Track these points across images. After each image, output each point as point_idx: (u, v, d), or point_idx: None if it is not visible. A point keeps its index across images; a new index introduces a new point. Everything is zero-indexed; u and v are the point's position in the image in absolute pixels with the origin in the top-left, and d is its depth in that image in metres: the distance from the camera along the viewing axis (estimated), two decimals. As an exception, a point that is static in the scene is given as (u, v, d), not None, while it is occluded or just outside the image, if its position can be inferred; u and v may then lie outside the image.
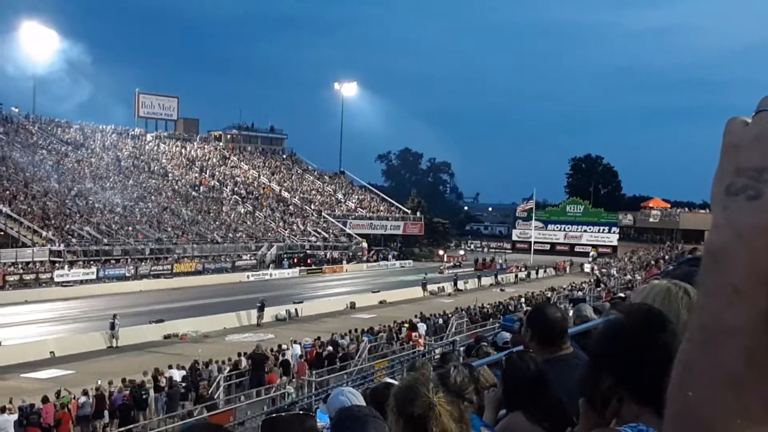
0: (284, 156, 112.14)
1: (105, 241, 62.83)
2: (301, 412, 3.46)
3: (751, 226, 0.78)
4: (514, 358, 4.31)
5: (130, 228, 67.88)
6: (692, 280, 2.70)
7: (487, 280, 71.21)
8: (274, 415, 3.27)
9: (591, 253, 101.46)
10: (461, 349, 19.53)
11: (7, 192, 64.78)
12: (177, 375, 27.06)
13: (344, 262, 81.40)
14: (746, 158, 0.82)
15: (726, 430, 0.75)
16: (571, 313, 9.76)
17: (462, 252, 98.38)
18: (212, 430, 3.94)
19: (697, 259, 3.72)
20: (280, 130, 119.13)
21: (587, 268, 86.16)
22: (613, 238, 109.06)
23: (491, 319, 42.80)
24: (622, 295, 20.03)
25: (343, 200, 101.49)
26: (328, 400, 5.13)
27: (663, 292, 2.57)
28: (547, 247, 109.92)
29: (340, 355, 32.34)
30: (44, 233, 59.49)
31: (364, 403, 4.66)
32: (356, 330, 36.94)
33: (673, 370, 0.83)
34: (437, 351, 29.71)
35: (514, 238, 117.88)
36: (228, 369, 28.60)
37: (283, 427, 3.12)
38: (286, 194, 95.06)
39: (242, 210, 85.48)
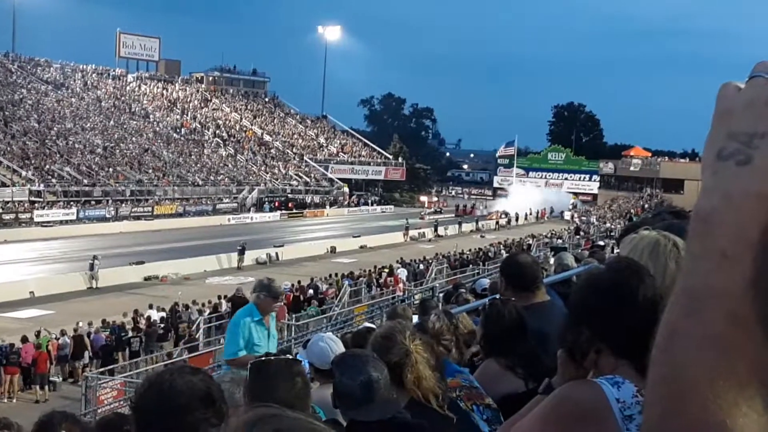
0: (266, 99, 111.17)
1: (85, 181, 62.45)
2: (289, 357, 3.48)
3: (741, 191, 0.79)
4: (496, 305, 4.30)
5: (111, 169, 67.42)
6: (673, 232, 2.72)
7: (467, 227, 71.35)
8: (263, 358, 3.28)
9: (571, 201, 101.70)
10: (440, 295, 19.65)
11: (-14, 131, 64.05)
12: (156, 315, 27.16)
13: (326, 206, 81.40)
14: (738, 123, 0.83)
15: (711, 392, 0.75)
16: (552, 261, 9.83)
17: (436, 198, 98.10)
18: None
19: (677, 213, 3.72)
20: (263, 73, 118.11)
21: (567, 215, 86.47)
22: (593, 186, 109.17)
23: (471, 266, 43.02)
24: (601, 243, 20.17)
25: (325, 144, 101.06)
26: (308, 346, 5.16)
27: (652, 243, 2.58)
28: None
29: (320, 298, 32.48)
30: (24, 173, 59.04)
31: (343, 349, 4.70)
32: (337, 274, 37.07)
33: (657, 333, 0.82)
34: (417, 296, 29.86)
35: (495, 184, 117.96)
36: (208, 311, 28.68)
37: (271, 371, 3.13)
38: (267, 138, 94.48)
39: (224, 153, 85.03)
